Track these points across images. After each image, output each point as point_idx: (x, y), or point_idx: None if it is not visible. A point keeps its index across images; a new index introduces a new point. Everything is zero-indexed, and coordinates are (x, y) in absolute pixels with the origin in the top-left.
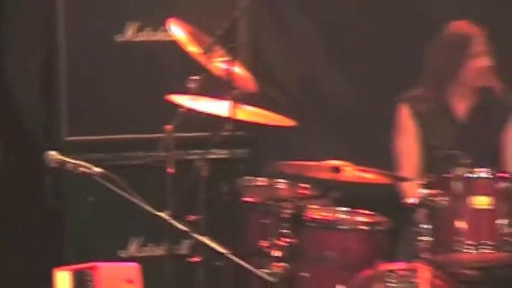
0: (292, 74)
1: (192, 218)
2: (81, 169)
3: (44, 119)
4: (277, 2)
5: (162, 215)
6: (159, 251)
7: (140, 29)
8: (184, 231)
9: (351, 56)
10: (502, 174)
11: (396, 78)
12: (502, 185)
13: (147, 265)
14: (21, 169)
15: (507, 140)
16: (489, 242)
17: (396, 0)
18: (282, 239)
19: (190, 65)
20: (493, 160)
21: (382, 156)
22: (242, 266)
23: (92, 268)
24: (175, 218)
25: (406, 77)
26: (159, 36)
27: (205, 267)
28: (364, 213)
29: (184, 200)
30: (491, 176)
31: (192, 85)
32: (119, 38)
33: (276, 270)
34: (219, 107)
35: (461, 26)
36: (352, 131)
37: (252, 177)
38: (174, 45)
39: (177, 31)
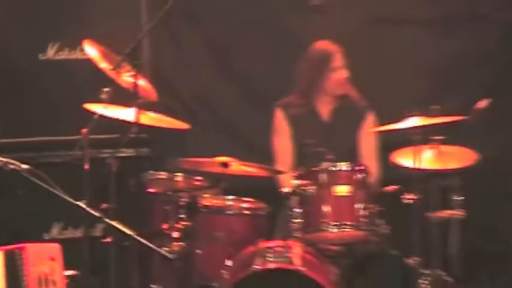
0: (187, 85)
1: (104, 206)
2: (11, 166)
3: None
4: (175, 27)
5: (80, 203)
6: (77, 233)
7: (60, 49)
8: (98, 217)
9: (236, 71)
10: (359, 167)
11: (273, 88)
12: (359, 175)
13: (67, 245)
14: None
15: (362, 138)
16: (349, 223)
17: (272, 25)
18: (180, 222)
19: (102, 78)
20: (351, 155)
21: (262, 153)
22: (146, 245)
23: (21, 248)
24: (90, 206)
25: (281, 87)
26: (76, 54)
27: (115, 247)
28: (247, 201)
29: (98, 191)
30: (350, 169)
31: (103, 95)
32: (42, 57)
33: (174, 248)
34: (126, 113)
35: (323, 45)
36: (238, 132)
37: (154, 172)
38: (88, 62)
39: (91, 50)
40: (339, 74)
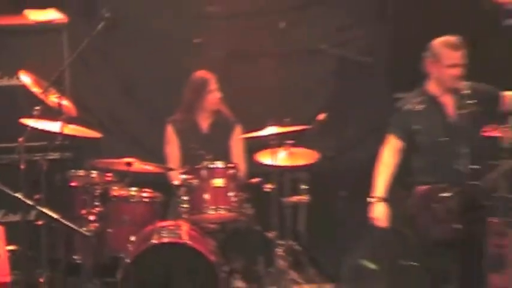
0: (100, 104)
1: (37, 197)
2: None
3: None
4: (90, 60)
5: (18, 195)
6: (16, 218)
7: (1, 77)
8: (32, 205)
9: (139, 94)
10: (231, 165)
11: (165, 107)
12: (231, 171)
13: (9, 227)
14: None
15: (232, 144)
16: (223, 207)
17: (164, 58)
18: (95, 208)
19: (35, 99)
20: (225, 156)
21: (159, 156)
22: (69, 226)
23: None
24: (26, 197)
25: (171, 106)
26: (14, 81)
27: (45, 227)
28: (146, 191)
29: (32, 186)
30: (224, 166)
31: (35, 112)
32: None
33: (91, 228)
34: (53, 126)
35: (202, 73)
36: (140, 140)
37: (75, 170)
38: (23, 87)
39: (25, 78)
40: (214, 95)
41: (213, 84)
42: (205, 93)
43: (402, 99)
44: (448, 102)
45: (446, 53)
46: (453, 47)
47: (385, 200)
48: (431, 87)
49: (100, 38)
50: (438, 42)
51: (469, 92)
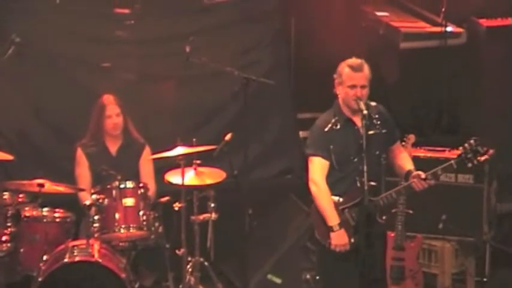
0: (10, 126)
1: None
2: None
3: None
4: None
5: None
6: None
7: None
8: None
9: (48, 116)
10: (141, 185)
11: (75, 130)
12: (141, 191)
13: None
14: None
15: (141, 164)
16: (134, 225)
17: (74, 80)
18: (8, 229)
19: None
20: (135, 176)
21: (69, 177)
22: None
23: None
24: None
25: (81, 129)
26: None
27: None
28: (58, 211)
29: None
30: (134, 186)
31: None
32: None
33: (3, 248)
34: None
35: (102, 99)
36: (50, 161)
37: None
38: None
39: None
40: (111, 120)
41: (110, 110)
42: (103, 118)
43: (319, 120)
44: (359, 123)
45: (347, 74)
46: (354, 68)
47: (340, 225)
48: (343, 108)
49: (9, 62)
50: (343, 63)
51: (371, 113)
